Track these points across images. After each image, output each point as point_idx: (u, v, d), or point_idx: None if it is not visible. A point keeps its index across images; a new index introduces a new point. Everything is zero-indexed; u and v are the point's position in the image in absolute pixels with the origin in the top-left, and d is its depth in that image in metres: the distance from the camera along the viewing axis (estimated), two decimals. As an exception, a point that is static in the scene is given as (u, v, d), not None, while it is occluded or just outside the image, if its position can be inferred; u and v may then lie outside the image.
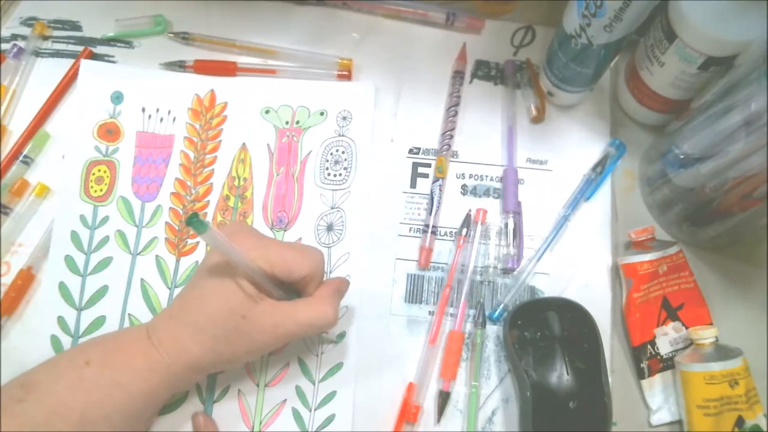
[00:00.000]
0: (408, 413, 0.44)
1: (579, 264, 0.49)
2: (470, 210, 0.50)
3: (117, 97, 0.52)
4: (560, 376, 0.43)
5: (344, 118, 0.51)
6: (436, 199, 0.49)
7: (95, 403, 0.36)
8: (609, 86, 0.54)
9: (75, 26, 0.55)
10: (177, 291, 0.48)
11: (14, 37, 0.54)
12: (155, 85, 0.53)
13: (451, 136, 0.51)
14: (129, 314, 0.47)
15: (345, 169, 0.50)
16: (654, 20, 0.46)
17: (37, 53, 0.53)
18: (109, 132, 0.51)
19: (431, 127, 0.52)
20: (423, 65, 0.54)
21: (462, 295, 0.47)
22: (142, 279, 0.48)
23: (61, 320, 0.47)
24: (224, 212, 0.50)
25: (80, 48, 0.53)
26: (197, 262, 0.48)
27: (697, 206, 0.46)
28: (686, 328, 0.46)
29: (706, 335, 0.43)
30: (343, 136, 0.51)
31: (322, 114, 0.52)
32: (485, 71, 0.54)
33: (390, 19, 0.56)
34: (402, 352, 0.47)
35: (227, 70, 0.53)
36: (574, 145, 0.52)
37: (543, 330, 0.44)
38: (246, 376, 0.46)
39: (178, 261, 0.49)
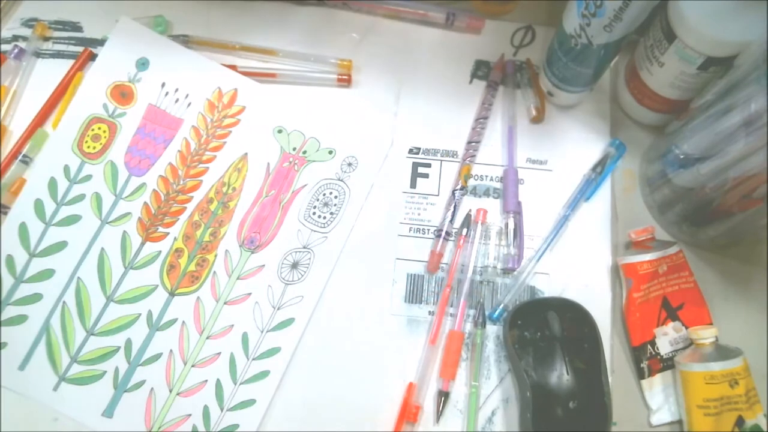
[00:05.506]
0: (408, 413, 0.44)
1: (579, 264, 0.49)
2: (470, 210, 0.50)
3: (143, 64, 0.51)
4: (560, 376, 0.43)
5: (349, 164, 0.50)
6: (456, 206, 0.49)
7: None
8: (609, 86, 0.54)
9: (75, 27, 0.55)
10: (132, 273, 0.47)
11: (15, 38, 0.54)
12: (183, 64, 0.52)
13: (477, 147, 0.51)
14: (78, 277, 0.47)
15: (332, 213, 0.49)
16: (654, 20, 0.46)
17: (38, 54, 0.54)
18: (123, 95, 0.51)
19: (431, 127, 0.52)
20: (423, 65, 0.54)
21: (462, 295, 0.47)
22: (102, 248, 0.48)
23: (9, 260, 0.46)
24: (203, 214, 0.49)
25: (81, 49, 0.53)
26: (160, 251, 0.48)
27: (697, 206, 0.46)
28: (686, 328, 0.46)
29: (706, 335, 0.43)
30: (341, 181, 0.50)
31: (330, 153, 0.51)
32: (485, 71, 0.54)
33: (390, 19, 0.56)
34: (402, 352, 0.47)
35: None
36: (574, 145, 0.52)
37: (543, 330, 0.44)
38: (164, 379, 0.45)
39: (142, 244, 0.48)
